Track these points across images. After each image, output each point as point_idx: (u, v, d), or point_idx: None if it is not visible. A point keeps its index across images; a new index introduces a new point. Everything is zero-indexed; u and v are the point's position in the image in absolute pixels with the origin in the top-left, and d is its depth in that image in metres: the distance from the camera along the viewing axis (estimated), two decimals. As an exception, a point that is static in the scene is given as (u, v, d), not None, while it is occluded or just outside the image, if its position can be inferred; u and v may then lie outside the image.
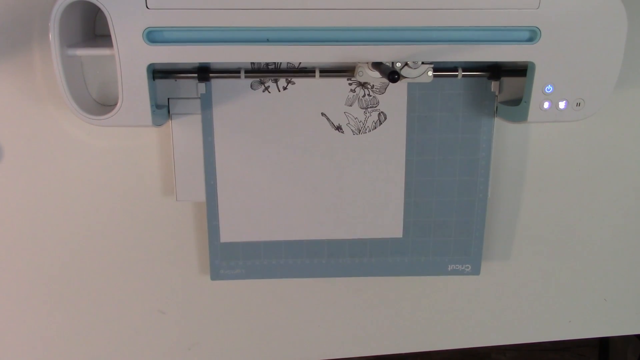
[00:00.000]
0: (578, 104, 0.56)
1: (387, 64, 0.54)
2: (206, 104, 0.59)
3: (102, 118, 0.53)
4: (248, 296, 0.67)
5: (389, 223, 0.63)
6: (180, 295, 0.66)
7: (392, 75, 0.49)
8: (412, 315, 0.70)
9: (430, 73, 0.55)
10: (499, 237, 0.68)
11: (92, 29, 0.57)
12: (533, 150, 0.65)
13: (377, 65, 0.54)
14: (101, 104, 0.59)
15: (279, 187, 0.61)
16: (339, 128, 0.60)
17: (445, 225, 0.64)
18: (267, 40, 0.52)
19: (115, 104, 0.52)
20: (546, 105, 0.55)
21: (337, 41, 0.52)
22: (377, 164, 0.62)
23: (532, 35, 0.53)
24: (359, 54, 0.52)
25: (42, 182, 0.61)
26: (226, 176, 0.61)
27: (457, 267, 0.65)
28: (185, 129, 0.60)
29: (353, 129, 0.61)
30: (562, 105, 0.55)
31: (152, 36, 0.51)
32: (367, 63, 0.55)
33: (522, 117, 0.56)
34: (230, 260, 0.63)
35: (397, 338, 0.71)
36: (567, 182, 0.66)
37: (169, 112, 0.59)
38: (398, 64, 0.54)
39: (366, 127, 0.61)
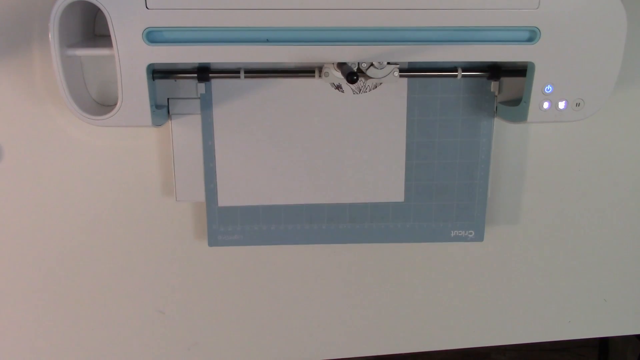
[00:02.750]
0: (578, 104, 0.56)
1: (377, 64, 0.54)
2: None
3: (102, 118, 0.53)
4: (248, 295, 0.67)
5: (390, 186, 0.62)
6: (180, 296, 0.66)
7: (351, 76, 0.49)
8: (412, 315, 0.70)
9: (397, 73, 0.55)
10: (499, 236, 0.68)
11: (92, 29, 0.57)
12: (533, 150, 0.65)
13: (340, 65, 0.53)
14: (101, 104, 0.59)
15: (278, 149, 0.60)
16: (339, 87, 0.59)
17: (447, 188, 0.63)
18: (267, 41, 0.52)
19: (115, 104, 0.52)
20: (546, 105, 0.55)
21: (338, 41, 0.52)
22: (377, 125, 0.60)
23: (532, 36, 0.53)
24: (360, 54, 0.52)
25: (42, 182, 0.61)
26: (224, 141, 0.60)
27: (460, 232, 0.64)
28: (185, 129, 0.60)
29: (353, 88, 0.60)
30: (561, 105, 0.55)
31: (152, 36, 0.51)
32: (333, 63, 0.54)
33: (522, 117, 0.56)
34: (229, 225, 0.62)
35: (397, 338, 0.71)
36: (567, 182, 0.66)
37: (168, 112, 0.59)
38: (364, 65, 0.54)
39: (366, 86, 0.60)
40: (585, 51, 0.53)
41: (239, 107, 0.59)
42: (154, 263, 0.65)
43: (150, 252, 0.65)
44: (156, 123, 0.55)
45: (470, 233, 0.64)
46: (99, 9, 0.49)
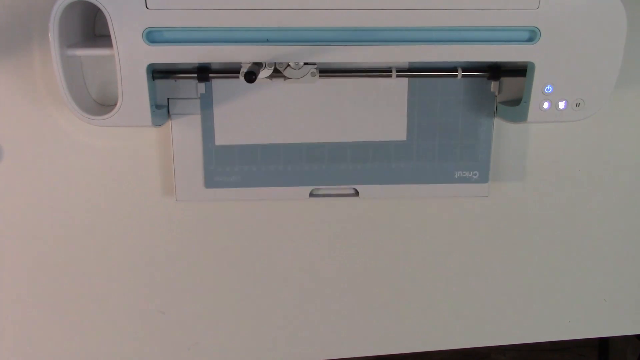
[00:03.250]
0: (578, 104, 0.56)
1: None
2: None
3: (102, 118, 0.53)
4: (248, 295, 0.67)
5: (392, 124, 0.61)
6: (180, 296, 0.66)
7: (249, 75, 0.49)
8: (412, 315, 0.70)
9: (316, 76, 0.55)
10: (499, 237, 0.68)
11: (92, 29, 0.57)
12: (533, 150, 0.65)
13: (256, 65, 0.53)
14: (101, 104, 0.59)
15: (277, 86, 0.59)
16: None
17: (450, 127, 0.62)
18: (267, 41, 0.52)
19: (115, 104, 0.52)
20: (546, 105, 0.55)
21: (338, 42, 0.52)
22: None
23: (532, 36, 0.53)
24: (362, 54, 0.52)
25: (42, 182, 0.61)
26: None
27: (465, 174, 0.63)
28: (185, 129, 0.60)
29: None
30: (561, 105, 0.55)
31: (152, 36, 0.51)
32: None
33: (522, 117, 0.57)
34: (226, 165, 0.60)
35: (397, 338, 0.71)
36: (567, 182, 0.66)
37: (168, 112, 0.59)
38: (282, 65, 0.54)
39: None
40: (585, 51, 0.53)
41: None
42: (154, 263, 0.65)
43: (150, 252, 0.65)
44: (156, 123, 0.55)
45: (475, 174, 0.63)
46: (99, 9, 0.49)
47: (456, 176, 0.63)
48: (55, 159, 0.61)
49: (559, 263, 0.69)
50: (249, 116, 0.59)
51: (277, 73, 0.55)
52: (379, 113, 0.60)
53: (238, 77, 0.57)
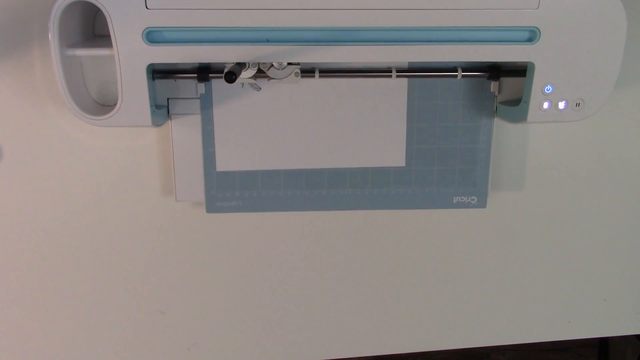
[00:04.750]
0: (577, 104, 0.56)
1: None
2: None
3: (102, 118, 0.53)
4: (248, 295, 0.67)
5: (391, 150, 0.61)
6: (180, 296, 0.66)
7: (229, 75, 0.49)
8: (412, 315, 0.70)
9: (298, 76, 0.55)
10: (499, 236, 0.68)
11: (92, 29, 0.57)
12: (533, 150, 0.65)
13: (237, 65, 0.54)
14: (101, 104, 0.59)
15: (277, 113, 0.60)
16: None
17: (449, 153, 0.62)
18: (267, 41, 0.52)
19: (115, 104, 0.52)
20: (546, 105, 0.55)
21: (338, 42, 0.52)
22: (378, 87, 0.60)
23: (532, 36, 0.53)
24: (362, 54, 0.53)
25: (42, 182, 0.61)
26: (223, 108, 0.59)
27: (463, 199, 0.63)
28: (184, 129, 0.60)
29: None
30: (561, 105, 0.55)
31: (152, 36, 0.51)
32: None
33: (521, 118, 0.57)
34: (227, 191, 0.61)
35: (397, 338, 0.71)
36: (567, 182, 0.66)
37: (168, 112, 0.59)
38: (265, 65, 0.54)
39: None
40: (585, 51, 0.53)
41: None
42: (154, 263, 0.65)
43: (150, 252, 0.65)
44: (156, 123, 0.55)
45: (473, 199, 0.63)
46: (99, 9, 0.49)
47: (455, 202, 0.64)
48: (55, 159, 0.61)
49: (558, 263, 0.69)
50: (250, 143, 0.60)
51: (260, 73, 0.55)
52: (378, 137, 0.61)
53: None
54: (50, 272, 0.64)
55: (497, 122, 0.62)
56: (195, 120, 0.59)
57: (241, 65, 0.53)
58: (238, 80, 0.57)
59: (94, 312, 0.66)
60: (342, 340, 0.70)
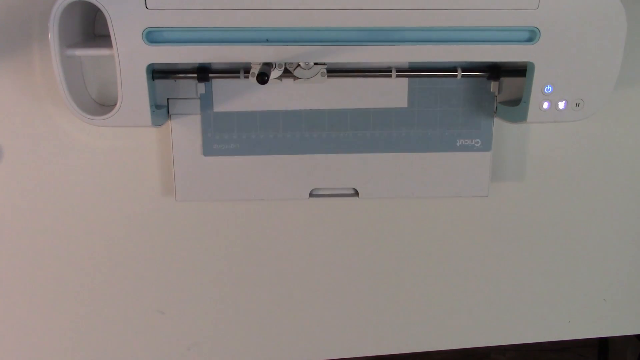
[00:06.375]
0: (577, 104, 0.56)
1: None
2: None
3: (102, 118, 0.53)
4: (248, 295, 0.67)
5: (393, 90, 0.60)
6: (179, 296, 0.66)
7: (261, 77, 0.49)
8: (412, 314, 0.70)
9: (324, 76, 0.55)
10: (499, 237, 0.68)
11: (92, 29, 0.57)
12: (533, 150, 0.65)
13: (266, 65, 0.53)
14: (101, 104, 0.59)
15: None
16: None
17: (452, 93, 0.60)
18: (267, 41, 0.52)
19: (115, 104, 0.52)
20: (545, 105, 0.55)
21: (338, 42, 0.52)
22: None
23: (532, 36, 0.53)
24: (362, 54, 0.53)
25: (42, 182, 0.61)
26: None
27: (467, 141, 0.61)
28: (184, 129, 0.60)
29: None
30: (561, 105, 0.55)
31: (152, 36, 0.51)
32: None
33: (521, 117, 0.57)
34: (224, 132, 0.59)
35: (397, 338, 0.71)
36: (567, 182, 0.66)
37: (168, 112, 0.59)
38: (292, 65, 0.54)
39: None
40: (585, 51, 0.53)
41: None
42: (154, 263, 0.65)
43: (150, 252, 0.65)
44: (156, 123, 0.55)
45: (477, 142, 0.62)
46: (99, 9, 0.49)
47: (458, 144, 0.62)
48: (55, 159, 0.61)
49: (558, 263, 0.69)
50: (249, 82, 0.58)
51: (287, 73, 0.55)
52: (379, 81, 0.60)
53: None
54: (50, 272, 0.64)
55: (497, 123, 0.62)
56: (195, 120, 0.59)
57: (269, 65, 0.53)
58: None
59: (93, 312, 0.66)
60: (342, 340, 0.70)
